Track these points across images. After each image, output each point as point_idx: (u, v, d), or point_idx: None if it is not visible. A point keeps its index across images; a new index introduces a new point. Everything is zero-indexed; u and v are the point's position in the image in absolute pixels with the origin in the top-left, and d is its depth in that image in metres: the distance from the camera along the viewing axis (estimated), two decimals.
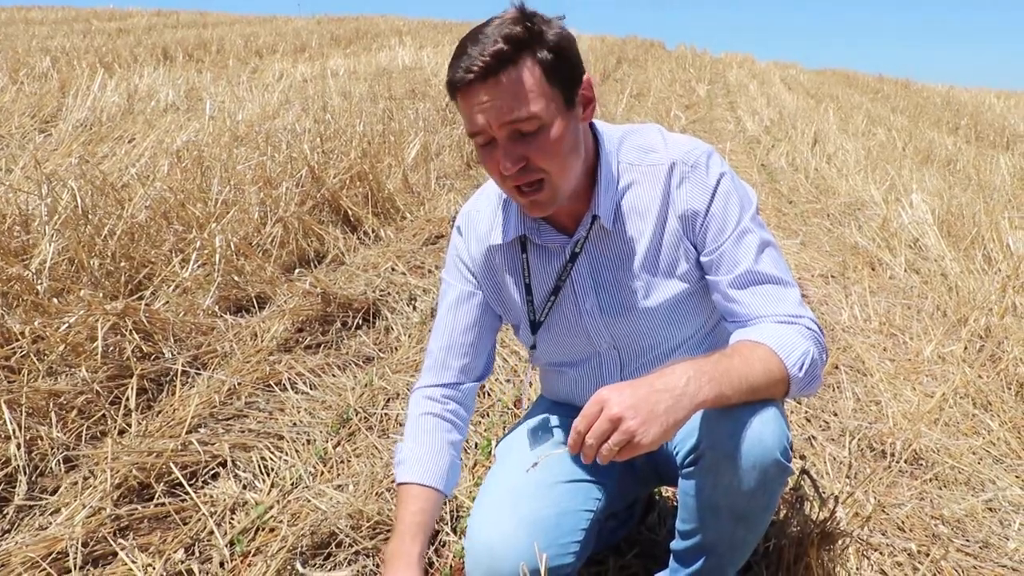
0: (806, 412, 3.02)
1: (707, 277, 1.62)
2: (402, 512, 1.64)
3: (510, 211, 1.67)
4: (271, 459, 2.56)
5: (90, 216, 3.76)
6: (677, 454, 1.58)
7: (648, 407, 1.26)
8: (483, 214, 1.74)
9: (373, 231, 4.90)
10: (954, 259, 4.73)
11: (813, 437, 2.84)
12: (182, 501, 2.32)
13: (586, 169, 1.58)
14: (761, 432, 1.41)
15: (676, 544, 1.68)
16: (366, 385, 3.06)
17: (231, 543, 2.16)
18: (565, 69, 1.45)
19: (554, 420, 1.89)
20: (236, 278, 3.78)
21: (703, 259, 1.61)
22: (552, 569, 1.59)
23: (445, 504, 2.33)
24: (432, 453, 1.70)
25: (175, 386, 2.89)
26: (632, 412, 1.25)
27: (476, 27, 1.43)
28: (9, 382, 2.61)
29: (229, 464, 2.52)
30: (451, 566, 2.11)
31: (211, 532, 2.20)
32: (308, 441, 2.68)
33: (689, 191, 1.58)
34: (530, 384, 2.96)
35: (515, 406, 2.91)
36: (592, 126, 1.62)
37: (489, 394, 3.02)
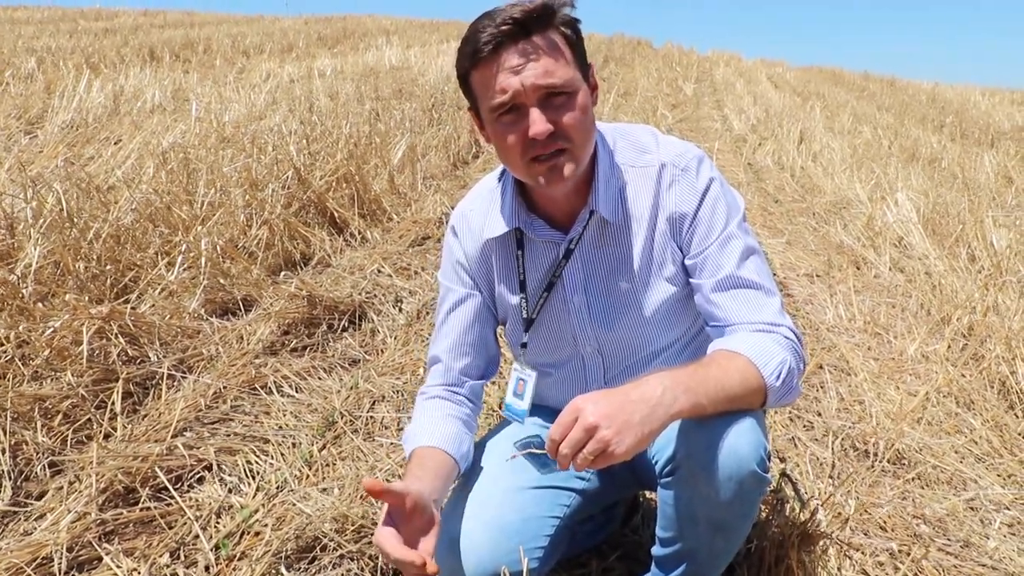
0: (790, 412, 3.04)
1: (690, 280, 1.64)
2: (404, 472, 1.63)
3: (504, 205, 1.68)
4: (256, 463, 2.56)
5: (75, 219, 3.75)
6: (656, 463, 1.59)
7: (623, 417, 1.26)
8: (476, 212, 1.75)
9: (359, 233, 4.90)
10: (938, 257, 4.76)
11: (797, 438, 2.85)
12: (167, 505, 2.32)
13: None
14: (736, 443, 1.41)
15: (657, 550, 1.69)
16: (352, 388, 3.06)
17: (216, 547, 2.16)
18: (582, 47, 1.50)
19: (531, 423, 1.90)
20: (222, 281, 3.78)
21: (687, 262, 1.63)
22: (516, 573, 1.60)
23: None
24: (435, 423, 1.71)
25: (161, 390, 2.89)
26: (607, 421, 1.25)
27: (482, 14, 1.45)
28: None
29: (214, 468, 2.52)
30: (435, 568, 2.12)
31: (196, 536, 2.20)
32: (293, 444, 2.69)
33: (678, 194, 1.60)
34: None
35: (500, 408, 2.92)
36: None
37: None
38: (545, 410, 1.91)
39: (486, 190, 1.75)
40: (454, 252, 1.79)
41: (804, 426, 2.96)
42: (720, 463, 1.41)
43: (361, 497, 2.37)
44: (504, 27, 1.39)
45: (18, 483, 2.37)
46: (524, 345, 1.78)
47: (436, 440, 1.66)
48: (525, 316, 1.74)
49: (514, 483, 1.71)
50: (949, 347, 3.60)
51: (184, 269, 3.79)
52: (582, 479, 1.79)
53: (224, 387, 2.96)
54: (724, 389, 1.38)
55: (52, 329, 2.89)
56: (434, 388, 1.80)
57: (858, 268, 4.89)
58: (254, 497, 2.39)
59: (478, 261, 1.76)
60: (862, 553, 2.21)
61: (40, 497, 2.34)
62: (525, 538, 1.64)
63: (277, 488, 2.44)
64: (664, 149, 1.64)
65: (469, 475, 1.79)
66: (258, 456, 2.59)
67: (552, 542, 1.71)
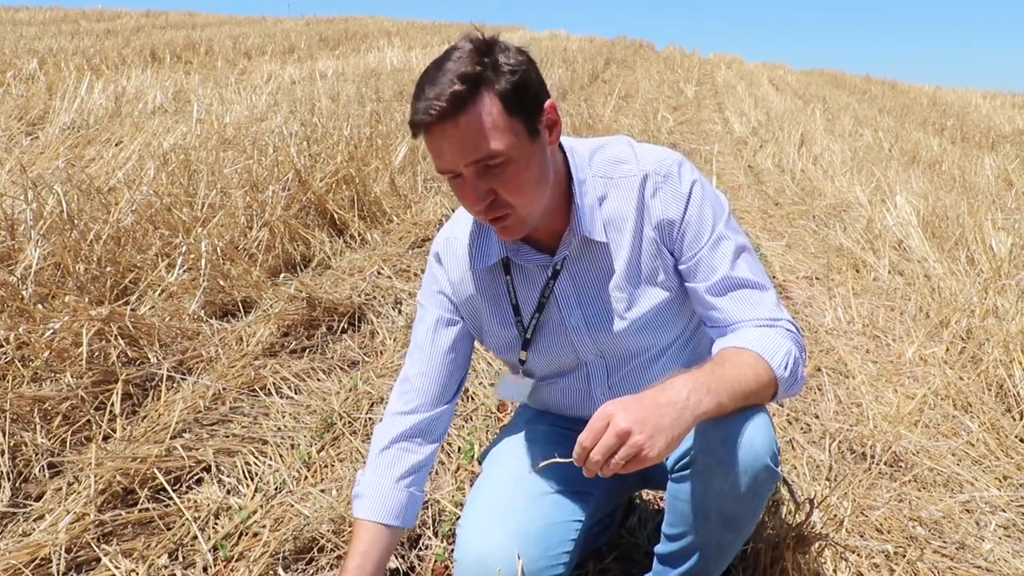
0: (788, 415, 3.05)
1: (686, 284, 1.65)
2: (350, 551, 1.68)
3: (489, 234, 1.68)
4: (255, 464, 2.57)
5: (76, 221, 3.76)
6: (667, 459, 1.60)
7: (654, 421, 1.27)
8: (461, 240, 1.74)
9: (359, 235, 4.91)
10: (937, 260, 4.77)
11: (794, 440, 2.86)
12: (166, 506, 2.33)
13: (558, 188, 1.59)
14: (752, 438, 1.45)
15: (662, 547, 1.70)
16: (351, 389, 3.07)
17: (214, 548, 2.18)
18: (526, 99, 1.45)
19: (539, 428, 1.91)
20: (222, 283, 3.79)
21: (681, 267, 1.64)
22: None
23: (426, 508, 2.35)
24: (387, 487, 1.72)
25: (160, 391, 2.90)
26: (639, 426, 1.26)
27: (436, 60, 1.44)
28: None
29: (213, 469, 2.53)
30: (432, 570, 2.13)
31: (195, 537, 2.21)
32: (292, 446, 2.70)
33: (663, 200, 1.60)
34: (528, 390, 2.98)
35: (498, 411, 2.93)
36: (559, 144, 1.62)
37: (473, 398, 3.04)
38: (548, 415, 1.92)
39: (471, 217, 1.73)
40: (437, 279, 1.78)
41: (801, 428, 2.97)
42: (736, 458, 1.44)
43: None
44: (430, 113, 1.38)
45: (17, 484, 2.38)
46: (522, 362, 1.79)
47: (386, 513, 1.70)
48: (521, 337, 1.75)
49: (534, 490, 1.72)
50: (947, 350, 3.61)
51: (184, 271, 3.80)
52: (596, 481, 1.80)
53: (223, 389, 2.97)
54: (741, 386, 1.40)
55: (52, 331, 2.90)
56: (399, 423, 1.77)
57: (857, 271, 4.90)
58: (252, 498, 2.40)
59: (463, 288, 1.75)
60: (858, 555, 2.22)
61: (39, 498, 2.34)
62: (550, 544, 1.67)
63: (275, 489, 2.45)
64: (643, 158, 1.63)
65: (485, 482, 1.80)
66: (257, 457, 2.60)
67: (576, 546, 1.73)
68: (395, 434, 1.76)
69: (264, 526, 2.26)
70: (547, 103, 1.49)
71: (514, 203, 1.47)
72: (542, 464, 1.58)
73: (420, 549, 2.23)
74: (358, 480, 1.75)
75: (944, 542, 2.33)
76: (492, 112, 1.41)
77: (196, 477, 2.50)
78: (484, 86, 1.40)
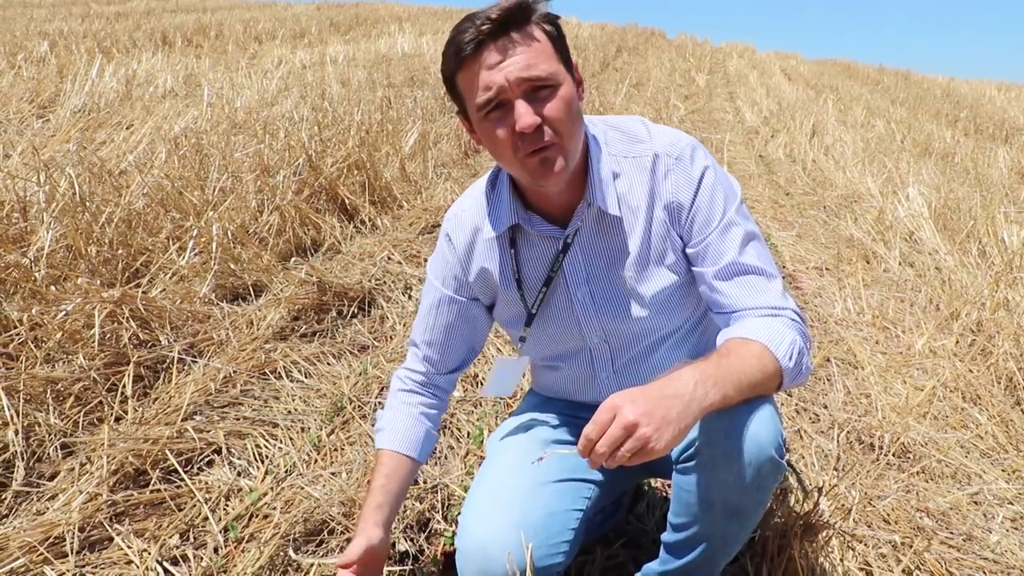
0: (796, 405, 3.05)
1: (693, 268, 1.65)
2: (375, 475, 1.78)
3: (500, 204, 1.68)
4: (265, 447, 2.59)
5: (88, 203, 3.77)
6: (672, 450, 1.61)
7: (661, 413, 1.27)
8: (469, 212, 1.75)
9: (370, 220, 4.92)
10: (948, 253, 4.75)
11: (803, 430, 2.87)
12: (177, 488, 2.35)
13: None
14: (757, 430, 1.44)
15: (668, 536, 1.70)
16: (360, 374, 3.08)
17: (225, 529, 2.19)
18: (563, 42, 1.51)
19: (546, 416, 1.91)
20: (233, 266, 3.80)
21: (689, 251, 1.63)
22: (543, 568, 1.62)
23: (435, 492, 2.37)
24: (408, 423, 1.82)
25: (171, 373, 2.92)
26: (646, 419, 1.26)
27: (463, 18, 1.46)
28: (7, 369, 2.63)
29: (224, 451, 2.54)
30: (442, 551, 2.14)
31: (206, 518, 2.23)
32: (302, 429, 2.71)
33: (675, 183, 1.60)
34: (523, 375, 2.99)
35: (508, 396, 2.93)
36: None
37: (482, 384, 3.05)
38: (555, 402, 1.92)
39: (479, 192, 1.75)
40: (446, 257, 1.79)
41: (810, 418, 2.97)
42: (741, 449, 1.44)
43: (369, 481, 2.39)
44: (484, 27, 1.41)
45: (31, 464, 2.40)
46: (522, 339, 1.80)
47: (406, 445, 1.81)
48: (525, 312, 1.75)
49: (536, 478, 1.73)
50: (957, 342, 3.60)
51: (195, 254, 3.82)
52: (599, 471, 1.80)
53: (234, 372, 2.99)
54: (747, 377, 1.40)
55: (64, 312, 2.92)
56: (411, 376, 1.89)
57: (868, 262, 4.88)
58: (263, 480, 2.42)
59: (472, 262, 1.76)
60: (865, 545, 2.23)
61: (52, 478, 2.37)
62: (551, 533, 1.67)
63: (286, 472, 2.46)
64: (656, 139, 1.64)
65: (488, 469, 1.81)
66: (267, 440, 2.62)
67: (576, 535, 1.73)
68: (412, 381, 1.89)
69: (275, 508, 2.27)
70: (573, 60, 1.54)
71: (562, 131, 1.48)
72: (545, 455, 1.59)
73: (429, 533, 2.25)
74: (379, 417, 1.86)
75: (951, 533, 2.34)
76: (541, 38, 1.47)
77: (207, 459, 2.52)
78: (532, 15, 1.46)
